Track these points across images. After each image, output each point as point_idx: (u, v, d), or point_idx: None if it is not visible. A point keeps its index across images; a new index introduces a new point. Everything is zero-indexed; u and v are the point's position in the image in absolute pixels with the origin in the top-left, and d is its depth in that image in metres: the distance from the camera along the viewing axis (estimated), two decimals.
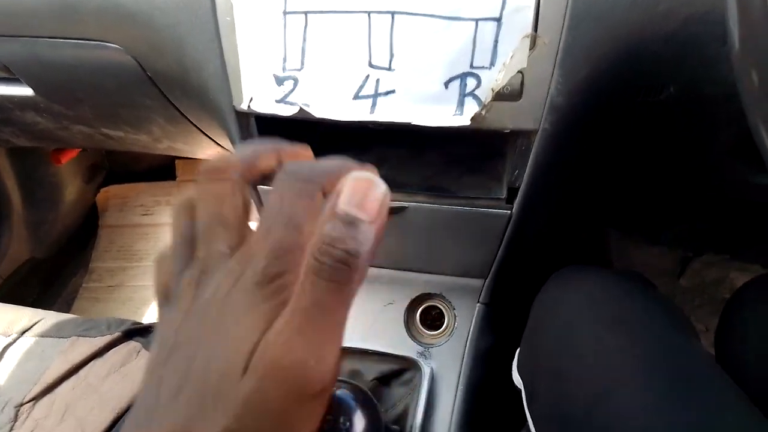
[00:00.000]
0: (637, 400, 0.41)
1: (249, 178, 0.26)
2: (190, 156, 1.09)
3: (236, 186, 0.26)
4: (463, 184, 0.62)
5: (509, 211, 0.59)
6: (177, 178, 1.64)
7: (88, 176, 1.58)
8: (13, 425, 0.60)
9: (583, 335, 0.48)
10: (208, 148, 0.95)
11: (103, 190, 1.65)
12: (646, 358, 0.44)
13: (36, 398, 0.62)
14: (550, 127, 0.54)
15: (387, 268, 0.72)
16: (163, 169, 1.66)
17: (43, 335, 0.70)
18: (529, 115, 0.54)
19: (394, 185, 0.63)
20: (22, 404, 0.62)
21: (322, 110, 0.57)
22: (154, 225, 1.61)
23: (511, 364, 0.62)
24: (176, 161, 1.63)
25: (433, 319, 0.71)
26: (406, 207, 0.61)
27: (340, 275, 0.21)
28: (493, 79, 0.52)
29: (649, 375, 0.43)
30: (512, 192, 0.59)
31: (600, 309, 0.49)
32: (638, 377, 0.43)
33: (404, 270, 0.69)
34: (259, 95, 0.58)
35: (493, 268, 0.65)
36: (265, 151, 0.28)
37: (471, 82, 0.54)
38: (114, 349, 0.67)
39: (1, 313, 0.75)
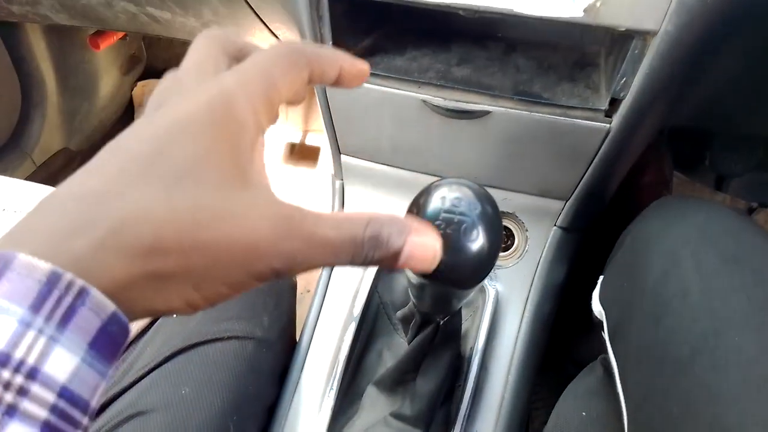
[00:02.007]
0: (756, 342, 0.36)
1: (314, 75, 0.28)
2: None
3: (300, 69, 0.27)
4: (558, 92, 0.55)
5: (608, 125, 0.53)
6: None
7: (125, 67, 1.52)
8: None
9: (691, 271, 0.42)
10: (258, 36, 0.88)
11: (140, 83, 1.59)
12: (765, 300, 0.39)
13: None
14: (673, 29, 0.46)
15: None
16: None
17: None
18: (651, 13, 0.46)
19: (479, 86, 0.56)
20: None
21: None
22: None
23: (584, 295, 0.57)
24: None
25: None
26: (490, 112, 0.55)
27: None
28: None
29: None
30: (613, 104, 0.52)
31: (711, 244, 0.44)
32: (757, 318, 0.38)
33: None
34: None
35: (576, 190, 0.59)
36: (335, 60, 0.29)
37: None
38: None
39: (44, 193, 0.72)
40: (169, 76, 0.27)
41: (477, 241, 0.35)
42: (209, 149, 0.23)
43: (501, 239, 0.37)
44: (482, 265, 0.36)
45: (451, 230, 0.35)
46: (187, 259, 0.22)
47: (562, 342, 0.91)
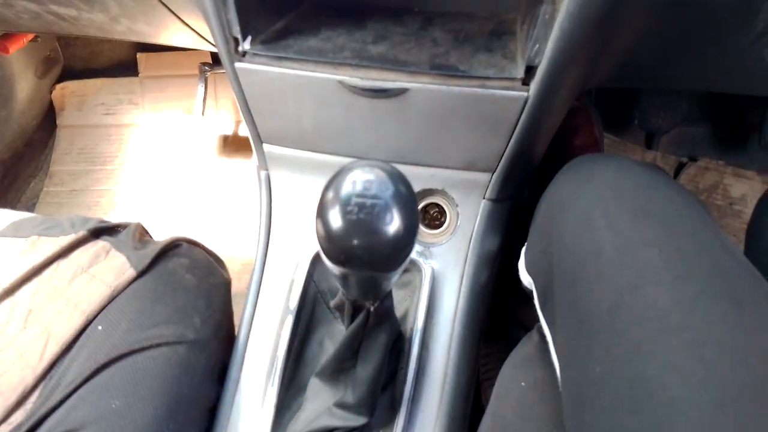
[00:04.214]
0: (670, 294, 0.37)
1: None
2: (152, 41, 0.98)
3: None
4: (475, 63, 0.54)
5: (526, 94, 0.52)
6: (139, 74, 1.50)
7: (41, 70, 1.44)
8: None
9: (603, 229, 0.43)
10: (172, 28, 0.84)
11: (59, 86, 1.51)
12: (679, 252, 0.39)
13: None
14: None
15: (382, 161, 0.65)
16: (124, 65, 1.52)
17: None
18: None
19: (395, 63, 0.55)
20: None
21: None
22: (117, 125, 1.50)
23: (518, 264, 0.57)
24: (138, 55, 1.49)
25: (433, 218, 0.65)
26: (408, 89, 0.54)
27: None
28: None
29: (683, 268, 0.38)
30: (530, 72, 0.52)
31: (623, 200, 0.44)
32: (670, 271, 0.38)
33: (401, 163, 0.63)
34: None
35: (502, 160, 0.58)
36: None
37: None
38: (80, 248, 0.60)
39: None
40: None
41: (392, 224, 0.34)
42: None
43: (417, 219, 0.37)
44: (400, 247, 0.36)
45: (364, 214, 0.34)
46: None
47: (508, 309, 0.92)
